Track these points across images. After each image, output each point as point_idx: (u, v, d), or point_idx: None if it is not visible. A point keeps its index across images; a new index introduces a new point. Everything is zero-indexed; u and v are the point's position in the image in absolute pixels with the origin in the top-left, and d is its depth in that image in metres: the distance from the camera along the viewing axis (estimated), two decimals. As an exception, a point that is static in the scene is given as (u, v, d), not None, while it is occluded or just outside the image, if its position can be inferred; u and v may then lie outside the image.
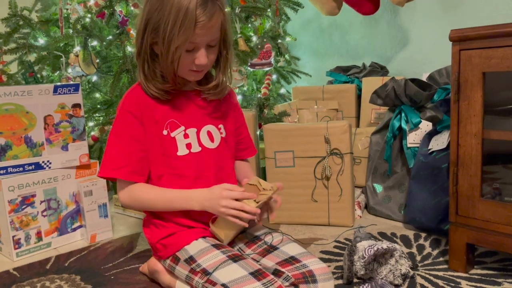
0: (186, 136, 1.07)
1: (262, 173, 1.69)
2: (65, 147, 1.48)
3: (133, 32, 1.85)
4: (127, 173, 1.04)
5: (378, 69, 2.34)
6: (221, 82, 1.08)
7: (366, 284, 1.08)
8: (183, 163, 1.06)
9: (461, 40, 1.11)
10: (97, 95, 2.08)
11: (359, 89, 2.29)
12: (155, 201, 1.04)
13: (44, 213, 1.44)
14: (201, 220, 1.08)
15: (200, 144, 1.08)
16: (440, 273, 1.17)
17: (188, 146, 1.07)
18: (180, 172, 1.06)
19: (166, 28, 0.93)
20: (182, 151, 1.06)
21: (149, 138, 1.06)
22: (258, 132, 1.82)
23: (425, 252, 1.31)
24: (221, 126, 1.13)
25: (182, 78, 1.05)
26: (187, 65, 1.00)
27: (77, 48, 1.88)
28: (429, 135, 1.50)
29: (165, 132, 1.06)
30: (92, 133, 1.92)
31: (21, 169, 1.39)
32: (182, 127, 1.07)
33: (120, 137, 1.05)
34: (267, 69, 2.41)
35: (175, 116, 1.07)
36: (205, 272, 0.96)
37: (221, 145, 1.11)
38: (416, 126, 1.58)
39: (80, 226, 1.54)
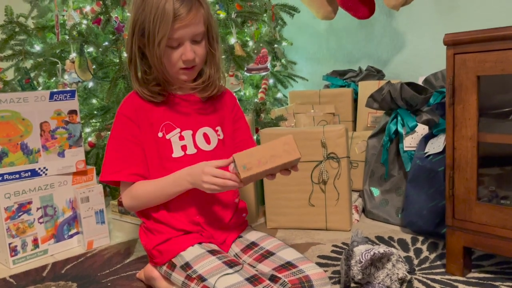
0: (181, 138, 1.07)
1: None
2: (61, 154, 1.47)
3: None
4: (128, 175, 1.05)
5: (374, 73, 2.35)
6: (208, 77, 1.08)
7: (364, 289, 1.08)
8: (178, 164, 1.06)
9: (455, 44, 1.11)
10: (94, 101, 2.08)
11: (356, 93, 2.29)
12: (152, 194, 1.04)
13: (41, 220, 1.44)
14: (198, 221, 1.08)
15: (195, 146, 1.08)
16: (438, 277, 1.17)
17: (184, 148, 1.07)
18: None
19: (149, 27, 0.96)
20: (177, 153, 1.07)
21: (146, 142, 1.07)
22: (255, 137, 1.82)
23: (422, 256, 1.31)
24: (218, 128, 1.13)
25: (177, 80, 1.05)
26: (175, 63, 1.01)
27: (73, 55, 1.88)
28: (426, 139, 1.50)
29: (160, 135, 1.07)
30: (89, 139, 1.92)
31: (17, 176, 1.39)
32: (178, 129, 1.07)
33: (119, 140, 1.06)
34: (264, 73, 2.41)
35: (170, 118, 1.07)
36: (201, 279, 0.95)
37: (218, 147, 1.12)
38: (412, 130, 1.58)
39: (77, 233, 1.54)
